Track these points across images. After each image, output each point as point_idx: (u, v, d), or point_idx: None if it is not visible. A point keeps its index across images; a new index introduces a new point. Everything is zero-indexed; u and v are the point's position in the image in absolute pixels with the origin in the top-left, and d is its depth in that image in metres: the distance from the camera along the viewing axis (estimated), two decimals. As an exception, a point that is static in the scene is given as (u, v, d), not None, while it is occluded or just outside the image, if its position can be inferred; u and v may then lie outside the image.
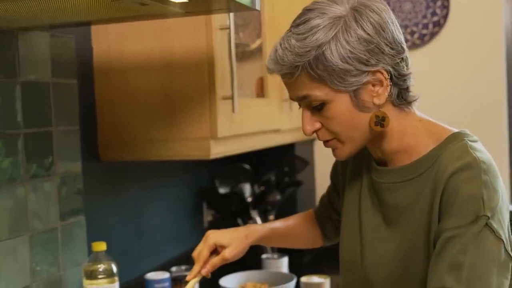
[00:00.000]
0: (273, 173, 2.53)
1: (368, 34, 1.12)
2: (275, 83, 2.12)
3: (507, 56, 2.68)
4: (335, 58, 1.11)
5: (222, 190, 2.43)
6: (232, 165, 2.48)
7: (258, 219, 2.46)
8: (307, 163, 2.64)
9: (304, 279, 2.18)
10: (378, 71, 1.14)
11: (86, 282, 1.61)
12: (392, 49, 1.14)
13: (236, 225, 2.50)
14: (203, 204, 2.47)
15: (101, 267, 1.61)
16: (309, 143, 2.85)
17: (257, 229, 1.43)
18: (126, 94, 1.77)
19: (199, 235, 2.42)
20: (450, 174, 1.11)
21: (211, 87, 1.69)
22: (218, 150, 1.76)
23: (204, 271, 1.36)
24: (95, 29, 1.79)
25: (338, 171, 1.42)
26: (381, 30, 1.13)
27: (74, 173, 1.68)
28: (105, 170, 1.85)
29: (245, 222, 2.47)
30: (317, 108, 1.16)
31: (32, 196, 1.53)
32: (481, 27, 2.67)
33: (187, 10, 1.38)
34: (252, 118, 1.95)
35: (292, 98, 1.21)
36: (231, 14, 1.68)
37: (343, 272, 1.34)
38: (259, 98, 2.07)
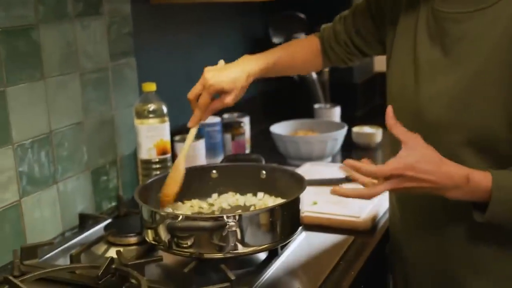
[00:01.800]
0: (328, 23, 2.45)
1: None
2: None
3: None
4: None
5: (276, 40, 2.38)
6: (286, 13, 2.41)
7: (313, 72, 2.42)
8: (365, 13, 2.53)
9: (355, 129, 2.17)
10: None
11: (137, 122, 1.64)
12: None
13: (289, 76, 2.47)
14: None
15: (152, 107, 1.63)
16: (368, -8, 2.72)
17: (257, 65, 1.36)
18: None
19: (252, 84, 2.40)
20: None
21: None
22: (269, -9, 1.70)
23: (204, 118, 1.33)
24: None
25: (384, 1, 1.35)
26: None
27: (123, 14, 1.66)
28: (155, 12, 1.82)
29: (299, 75, 2.44)
30: None
31: (81, 34, 1.52)
32: None
33: None
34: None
35: None
36: None
37: (393, 109, 1.29)
38: None
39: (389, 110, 1.12)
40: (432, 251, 1.27)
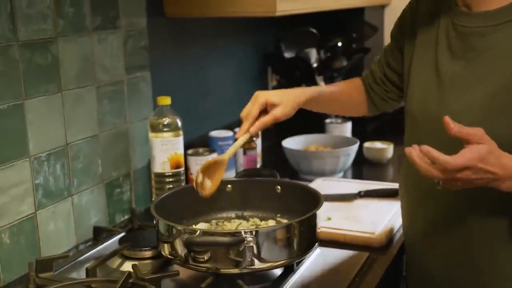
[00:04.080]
0: (340, 38, 2.46)
1: None
2: None
3: None
4: None
5: (287, 55, 2.39)
6: (298, 29, 2.42)
7: (323, 85, 2.43)
8: (376, 29, 2.54)
9: (367, 144, 2.17)
10: None
11: (151, 135, 1.64)
12: None
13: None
14: (268, 68, 2.45)
15: (166, 120, 1.63)
16: (380, 8, 2.73)
17: (306, 90, 1.39)
18: None
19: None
20: None
21: None
22: (284, 7, 1.71)
23: (253, 130, 1.30)
24: None
25: (405, 24, 1.36)
26: None
27: (139, 28, 1.67)
28: (171, 26, 1.83)
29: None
30: None
31: (98, 48, 1.53)
32: None
33: None
34: (321, -25, 1.87)
35: None
36: None
37: (413, 126, 1.29)
38: (329, -45, 1.96)
39: (447, 120, 1.06)
40: (454, 253, 1.25)
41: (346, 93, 1.49)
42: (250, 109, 1.30)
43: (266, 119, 1.31)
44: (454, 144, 1.14)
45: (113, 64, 1.58)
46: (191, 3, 1.76)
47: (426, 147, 1.03)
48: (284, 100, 1.31)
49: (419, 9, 1.32)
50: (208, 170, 1.30)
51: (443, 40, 1.23)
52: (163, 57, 1.81)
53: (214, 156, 1.79)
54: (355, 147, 1.99)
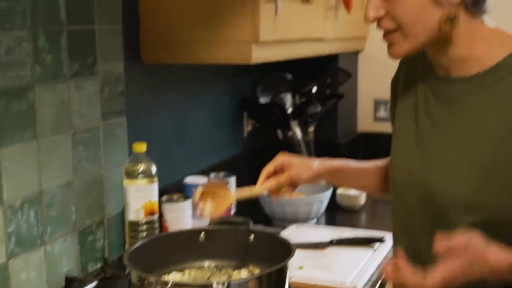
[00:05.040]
0: (314, 84, 2.50)
1: None
2: (320, -11, 2.06)
3: None
4: None
5: (262, 100, 2.42)
6: (273, 74, 2.45)
7: (298, 131, 2.46)
8: (349, 75, 2.59)
9: (340, 191, 2.19)
10: None
11: (126, 182, 1.64)
12: None
13: (275, 135, 2.51)
14: (243, 113, 2.47)
15: (141, 167, 1.64)
16: (353, 55, 2.79)
17: (331, 160, 1.43)
18: (169, -5, 1.74)
19: (239, 143, 2.45)
20: None
21: (254, -11, 1.64)
22: (259, 55, 1.73)
23: (264, 184, 1.38)
24: None
25: (392, 97, 1.35)
26: None
27: (116, 74, 1.68)
28: (147, 72, 1.84)
29: (284, 133, 2.47)
30: None
31: (75, 94, 1.54)
32: None
33: None
34: (296, 24, 1.91)
35: None
36: None
37: (397, 193, 1.26)
38: (304, 4, 2.01)
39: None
40: None
41: (379, 170, 1.46)
42: (267, 165, 1.39)
43: (281, 177, 1.38)
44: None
45: (89, 110, 1.59)
46: (167, 50, 1.78)
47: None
48: (301, 163, 1.38)
49: (399, 77, 1.32)
50: (211, 195, 1.38)
51: (422, 108, 1.21)
52: (140, 102, 1.82)
53: (188, 202, 1.79)
54: (328, 194, 2.01)
